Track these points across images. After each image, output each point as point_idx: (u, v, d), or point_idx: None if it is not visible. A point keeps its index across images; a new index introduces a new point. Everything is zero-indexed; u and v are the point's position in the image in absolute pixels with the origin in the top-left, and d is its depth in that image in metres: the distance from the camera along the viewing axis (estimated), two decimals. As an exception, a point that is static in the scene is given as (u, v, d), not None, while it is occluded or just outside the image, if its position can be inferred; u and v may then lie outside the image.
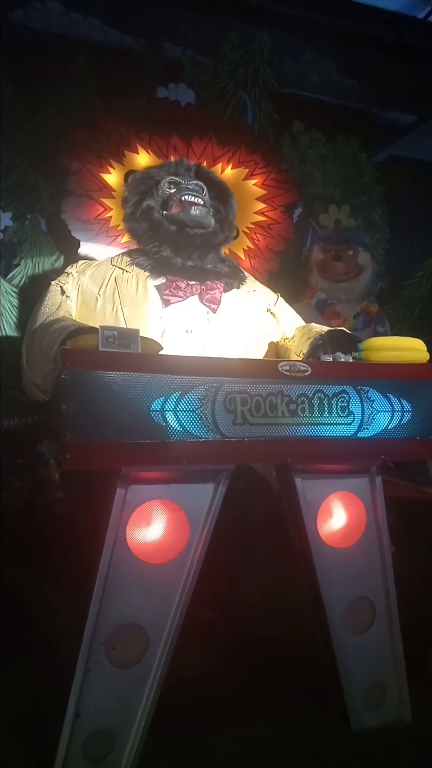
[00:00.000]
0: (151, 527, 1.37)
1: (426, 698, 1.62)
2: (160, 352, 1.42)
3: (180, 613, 1.38)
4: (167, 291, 1.97)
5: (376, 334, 3.02)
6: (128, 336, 1.28)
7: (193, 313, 1.98)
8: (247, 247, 2.89)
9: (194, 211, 2.04)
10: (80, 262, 2.18)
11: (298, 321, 2.20)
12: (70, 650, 1.33)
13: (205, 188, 2.18)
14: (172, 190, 2.12)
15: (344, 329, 1.86)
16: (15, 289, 2.78)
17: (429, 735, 1.52)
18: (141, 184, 2.16)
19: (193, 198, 2.08)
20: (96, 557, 1.32)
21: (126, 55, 3.12)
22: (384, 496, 1.56)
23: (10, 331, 2.74)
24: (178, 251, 2.03)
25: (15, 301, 2.77)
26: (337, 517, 1.54)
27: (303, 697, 1.62)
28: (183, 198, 2.07)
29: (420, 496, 2.65)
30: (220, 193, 2.23)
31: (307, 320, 2.26)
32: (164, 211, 2.08)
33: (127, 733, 1.34)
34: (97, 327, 1.58)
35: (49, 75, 2.92)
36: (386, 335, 3.07)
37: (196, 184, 2.16)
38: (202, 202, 2.10)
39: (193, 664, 1.72)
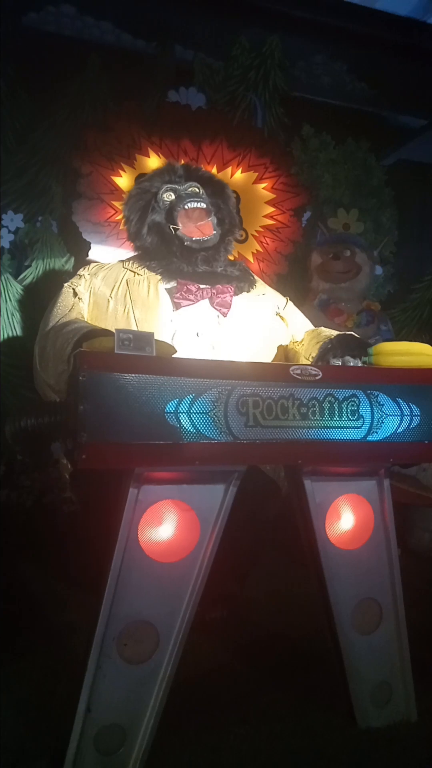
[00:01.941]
0: (163, 527, 1.39)
1: (432, 698, 1.64)
2: (174, 356, 1.44)
3: (190, 611, 1.40)
4: (178, 294, 1.99)
5: (380, 332, 3.05)
6: (143, 339, 1.31)
7: (203, 317, 2.00)
8: (256, 250, 2.92)
9: (206, 239, 2.04)
10: (92, 264, 2.20)
11: (307, 324, 2.21)
12: (81, 647, 1.36)
13: (201, 188, 2.17)
14: (172, 198, 2.10)
15: (353, 333, 1.88)
16: (26, 291, 2.81)
17: (434, 734, 1.54)
18: (139, 200, 2.13)
19: (195, 204, 2.07)
20: (108, 555, 1.34)
21: (138, 59, 3.15)
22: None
23: (21, 331, 2.77)
24: (188, 262, 2.04)
25: (26, 302, 2.80)
26: (345, 519, 1.56)
27: (310, 695, 1.64)
28: (186, 207, 2.06)
29: (424, 502, 2.67)
30: (215, 188, 2.21)
31: (312, 322, 2.28)
32: (171, 225, 2.07)
33: (138, 728, 1.37)
34: (110, 329, 1.62)
35: (61, 78, 2.96)
36: (389, 333, 3.10)
37: (191, 186, 2.14)
38: (204, 205, 2.09)
39: (203, 662, 1.75)
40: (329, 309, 3.05)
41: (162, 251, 2.08)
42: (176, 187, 2.14)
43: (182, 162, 2.52)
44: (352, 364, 1.64)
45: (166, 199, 2.11)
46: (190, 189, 2.14)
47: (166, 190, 2.12)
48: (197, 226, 2.06)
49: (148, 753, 1.37)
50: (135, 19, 3.17)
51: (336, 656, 1.56)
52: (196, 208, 2.08)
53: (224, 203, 2.20)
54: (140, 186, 2.18)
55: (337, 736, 1.51)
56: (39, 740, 1.43)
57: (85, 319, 1.98)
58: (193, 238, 2.04)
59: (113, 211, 2.72)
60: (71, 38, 3.12)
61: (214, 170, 2.71)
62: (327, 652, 1.59)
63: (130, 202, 2.16)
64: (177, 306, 1.98)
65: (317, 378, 1.39)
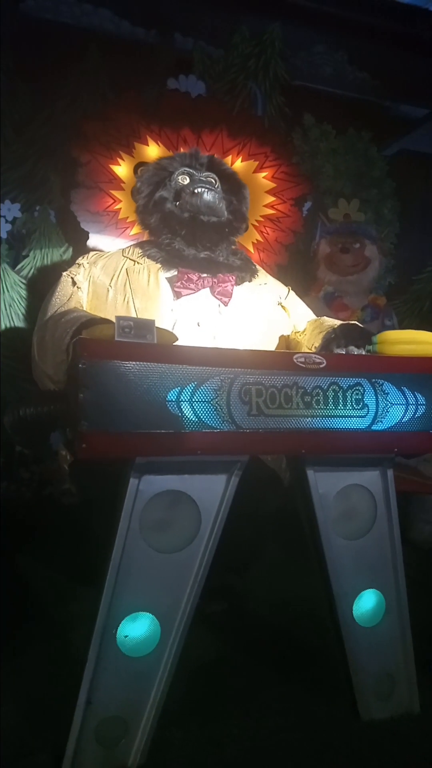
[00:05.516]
0: (164, 517, 1.37)
1: (434, 690, 1.62)
2: (176, 343, 1.42)
3: (191, 603, 1.38)
4: (179, 283, 1.96)
5: (384, 327, 3.02)
6: (144, 326, 1.28)
7: (204, 306, 1.98)
8: (257, 240, 2.88)
9: (207, 196, 2.04)
10: (91, 253, 2.18)
11: (309, 314, 2.19)
12: (82, 639, 1.34)
13: (218, 180, 2.18)
14: (185, 182, 2.12)
15: (357, 323, 1.86)
16: (24, 281, 2.78)
17: (437, 727, 1.52)
18: (154, 176, 2.16)
19: (206, 191, 2.08)
20: (108, 547, 1.32)
21: (137, 47, 3.12)
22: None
23: (19, 322, 2.75)
24: (191, 242, 2.02)
25: (24, 293, 2.77)
26: (348, 509, 1.54)
27: (313, 688, 1.63)
28: (196, 190, 2.07)
29: (426, 490, 2.66)
30: (233, 185, 2.23)
31: (316, 314, 2.26)
32: (177, 202, 2.08)
33: (139, 720, 1.35)
34: (109, 318, 1.59)
35: (60, 66, 2.91)
36: (393, 328, 3.07)
37: (208, 176, 2.16)
38: (215, 195, 2.10)
39: (204, 654, 1.74)
40: (334, 303, 3.02)
41: (162, 229, 2.07)
42: (193, 172, 2.15)
43: (183, 150, 2.48)
44: (355, 353, 1.62)
45: (180, 181, 2.13)
46: (206, 178, 2.15)
47: (183, 173, 2.14)
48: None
49: (149, 746, 1.35)
50: (134, 7, 3.13)
51: (338, 649, 1.55)
52: (205, 194, 2.06)
53: (237, 202, 2.21)
54: (160, 162, 2.21)
55: (340, 729, 1.50)
56: (40, 733, 1.42)
57: (84, 309, 1.96)
58: (195, 201, 2.03)
59: (112, 201, 2.68)
60: (70, 26, 3.08)
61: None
62: (329, 645, 1.58)
63: (145, 175, 2.19)
64: (177, 295, 1.96)
65: (321, 366, 1.37)
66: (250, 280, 2.09)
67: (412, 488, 2.53)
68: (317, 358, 1.38)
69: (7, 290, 2.71)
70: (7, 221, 2.83)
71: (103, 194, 2.69)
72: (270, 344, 2.04)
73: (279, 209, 2.87)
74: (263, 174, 2.82)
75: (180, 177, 2.14)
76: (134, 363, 1.23)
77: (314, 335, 1.90)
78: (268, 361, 1.38)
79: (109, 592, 1.31)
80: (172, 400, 1.25)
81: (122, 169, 2.68)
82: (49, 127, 2.90)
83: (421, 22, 3.27)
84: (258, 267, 2.23)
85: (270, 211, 2.86)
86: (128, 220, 2.68)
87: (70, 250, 2.83)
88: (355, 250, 3.05)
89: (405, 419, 1.44)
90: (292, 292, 2.22)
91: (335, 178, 3.24)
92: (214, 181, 2.16)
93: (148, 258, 2.03)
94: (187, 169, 2.15)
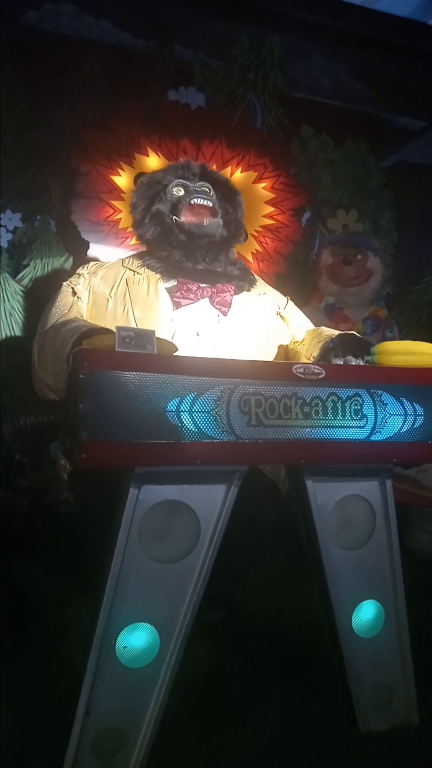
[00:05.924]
0: (163, 527, 1.37)
1: (433, 701, 1.62)
2: (175, 354, 1.43)
3: (191, 613, 1.38)
4: (178, 293, 1.97)
5: (385, 338, 3.03)
6: (144, 337, 1.29)
7: (203, 316, 1.99)
8: (256, 250, 2.90)
9: (206, 224, 2.05)
10: (91, 263, 2.19)
11: (307, 324, 2.20)
12: (80, 649, 1.34)
13: (212, 189, 2.20)
14: (181, 194, 2.13)
15: (355, 333, 1.87)
16: (24, 290, 2.79)
17: (436, 738, 1.52)
18: (149, 189, 2.17)
19: (201, 201, 2.09)
20: (107, 556, 1.33)
21: (137, 58, 3.14)
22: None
23: (19, 331, 2.75)
24: (189, 256, 2.04)
25: (24, 302, 2.78)
26: (347, 519, 1.55)
27: (311, 698, 1.63)
28: (192, 201, 2.08)
29: (424, 502, 2.66)
30: (227, 193, 2.24)
31: (316, 324, 2.27)
32: (174, 216, 2.09)
33: (137, 732, 1.35)
34: (110, 328, 1.60)
35: (60, 76, 2.94)
36: (394, 340, 3.07)
37: (202, 185, 2.18)
38: (210, 204, 2.11)
39: (202, 664, 1.73)
40: (335, 314, 3.03)
41: (161, 242, 2.08)
42: (187, 183, 2.16)
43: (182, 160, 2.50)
44: (354, 363, 1.63)
45: (175, 192, 2.13)
46: (200, 188, 2.16)
47: (177, 185, 2.15)
48: (198, 214, 2.07)
49: (147, 757, 1.35)
50: (134, 18, 3.16)
51: (336, 659, 1.55)
52: (203, 205, 2.08)
53: (233, 209, 2.22)
54: (153, 176, 2.22)
55: (338, 740, 1.50)
56: (37, 744, 1.41)
57: (84, 318, 1.97)
58: (194, 223, 2.04)
59: (112, 210, 2.70)
60: (70, 37, 3.11)
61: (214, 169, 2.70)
62: (327, 655, 1.58)
63: (140, 189, 2.19)
64: (177, 305, 1.97)
65: (320, 377, 1.38)
66: (249, 290, 2.10)
67: (412, 500, 2.53)
68: (316, 369, 1.39)
69: (8, 299, 2.72)
70: (7, 231, 2.85)
71: (103, 204, 2.71)
72: (269, 354, 2.05)
73: (278, 219, 2.89)
74: (262, 184, 2.84)
75: (175, 189, 2.14)
76: (134, 373, 1.23)
77: (312, 345, 1.91)
78: (267, 371, 1.39)
79: (108, 602, 1.31)
80: (171, 410, 1.25)
81: (122, 180, 2.70)
82: (49, 136, 2.92)
83: (419, 35, 3.31)
84: (257, 277, 2.24)
85: (269, 222, 2.88)
86: (128, 230, 2.70)
87: (71, 259, 2.84)
88: (357, 262, 3.05)
89: (403, 430, 1.44)
90: (290, 302, 2.23)
91: (333, 188, 3.27)
92: (208, 189, 2.17)
93: (147, 268, 2.04)
94: (180, 180, 2.16)
